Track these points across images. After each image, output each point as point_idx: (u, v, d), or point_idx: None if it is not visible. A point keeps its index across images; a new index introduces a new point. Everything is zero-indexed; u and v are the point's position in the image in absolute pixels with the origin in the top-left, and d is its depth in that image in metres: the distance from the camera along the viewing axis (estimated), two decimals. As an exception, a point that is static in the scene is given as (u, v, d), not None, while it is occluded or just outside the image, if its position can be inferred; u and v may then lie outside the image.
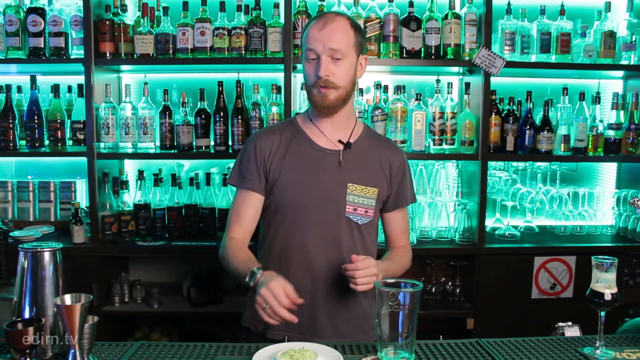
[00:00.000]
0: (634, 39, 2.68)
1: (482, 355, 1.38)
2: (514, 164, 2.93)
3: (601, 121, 2.72)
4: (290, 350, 1.28)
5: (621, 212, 2.91)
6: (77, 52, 2.61)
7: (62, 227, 2.81)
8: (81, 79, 2.59)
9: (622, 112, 2.71)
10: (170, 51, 2.60)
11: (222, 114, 2.62)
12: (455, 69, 2.82)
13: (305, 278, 1.63)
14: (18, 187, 2.88)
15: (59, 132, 2.68)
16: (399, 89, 2.63)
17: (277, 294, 1.37)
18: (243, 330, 1.79)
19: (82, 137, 2.65)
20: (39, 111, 2.66)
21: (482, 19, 2.57)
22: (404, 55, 2.59)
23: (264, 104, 2.66)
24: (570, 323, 1.57)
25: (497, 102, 2.69)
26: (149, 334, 2.82)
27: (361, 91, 2.67)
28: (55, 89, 2.70)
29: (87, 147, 2.60)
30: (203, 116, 2.63)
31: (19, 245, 1.28)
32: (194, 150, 2.67)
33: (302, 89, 2.62)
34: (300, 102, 2.69)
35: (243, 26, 2.58)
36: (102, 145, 2.63)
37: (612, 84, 3.03)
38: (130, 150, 2.66)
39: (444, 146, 2.66)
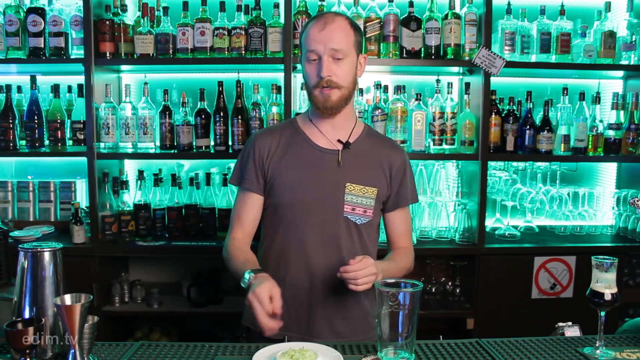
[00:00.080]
0: (634, 39, 2.68)
1: (482, 355, 1.38)
2: (514, 164, 2.93)
3: (601, 121, 2.72)
4: (290, 350, 1.28)
5: (621, 212, 2.91)
6: (77, 52, 2.61)
7: (62, 227, 2.81)
8: (81, 79, 2.59)
9: (622, 112, 2.71)
10: (170, 51, 2.60)
11: (222, 114, 2.62)
12: (455, 69, 2.82)
13: (304, 278, 1.63)
14: (18, 187, 2.88)
15: (59, 132, 2.68)
16: (399, 89, 2.63)
17: (261, 300, 1.37)
18: (243, 330, 1.79)
19: (82, 137, 2.65)
20: (39, 111, 2.66)
21: (482, 19, 2.57)
22: (404, 55, 2.59)
23: (264, 104, 2.66)
24: (570, 323, 1.57)
25: (497, 102, 2.69)
26: (149, 334, 2.82)
27: (361, 91, 2.67)
28: (55, 89, 2.70)
29: (87, 147, 2.60)
30: (203, 116, 2.63)
31: (19, 245, 1.28)
32: (194, 150, 2.67)
33: (302, 89, 2.62)
34: (300, 102, 2.69)
35: (243, 26, 2.58)
36: (102, 145, 2.63)
37: (612, 84, 3.03)
38: (130, 150, 2.66)
39: (444, 146, 2.66)
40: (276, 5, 2.57)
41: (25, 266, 1.26)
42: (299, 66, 2.53)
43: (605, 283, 1.37)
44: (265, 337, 1.57)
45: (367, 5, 2.62)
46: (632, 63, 2.70)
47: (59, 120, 2.68)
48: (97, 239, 2.62)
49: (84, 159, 2.60)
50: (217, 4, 2.58)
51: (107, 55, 2.58)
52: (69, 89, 2.85)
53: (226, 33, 2.58)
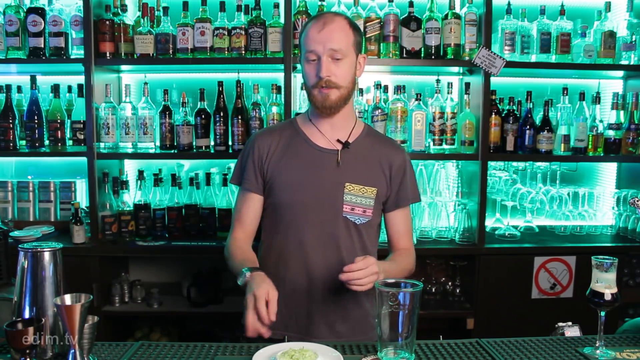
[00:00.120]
0: (634, 39, 2.68)
1: (482, 355, 1.38)
2: (514, 164, 2.93)
3: (601, 121, 2.72)
4: (290, 350, 1.28)
5: (621, 212, 2.91)
6: (77, 52, 2.61)
7: (62, 227, 2.81)
8: (81, 79, 2.59)
9: (622, 112, 2.71)
10: (170, 51, 2.60)
11: (222, 114, 2.62)
12: (455, 69, 2.82)
13: (303, 278, 1.63)
14: (18, 187, 2.88)
15: (59, 132, 2.68)
16: (399, 89, 2.63)
17: (259, 307, 1.37)
18: (243, 330, 1.79)
19: (82, 137, 2.65)
20: (39, 111, 2.66)
21: (482, 19, 2.57)
22: (404, 55, 2.59)
23: (264, 104, 2.66)
24: (570, 323, 1.57)
25: (497, 102, 2.69)
26: (149, 334, 2.82)
27: (361, 91, 2.67)
28: (55, 89, 2.70)
29: (87, 147, 2.60)
30: (203, 116, 2.63)
31: (19, 245, 1.28)
32: (194, 150, 2.67)
33: (302, 89, 2.61)
34: (300, 102, 2.69)
35: (243, 26, 2.58)
36: (102, 145, 2.63)
37: (612, 84, 3.03)
38: (130, 150, 2.66)
39: (444, 146, 2.66)
40: (276, 5, 2.57)
41: (25, 266, 1.26)
42: (299, 66, 2.53)
43: (605, 283, 1.37)
44: (265, 337, 1.58)
45: (367, 5, 2.62)
46: (632, 63, 2.70)
47: (59, 120, 2.68)
48: (97, 239, 2.62)
49: (84, 159, 2.60)
50: (217, 4, 2.58)
51: (107, 55, 2.58)
52: (69, 89, 2.85)
53: (226, 33, 2.58)
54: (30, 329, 1.19)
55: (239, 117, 2.61)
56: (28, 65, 2.68)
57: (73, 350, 1.17)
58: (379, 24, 2.58)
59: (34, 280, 1.25)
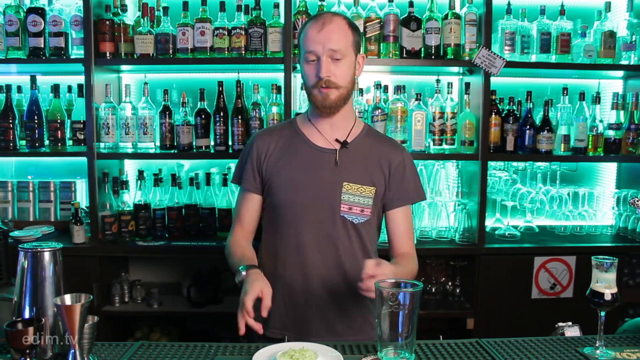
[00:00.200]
0: (634, 39, 2.68)
1: (482, 355, 1.38)
2: (514, 164, 2.93)
3: (601, 121, 2.72)
4: (290, 350, 1.28)
5: (621, 212, 2.91)
6: (77, 52, 2.61)
7: (62, 227, 2.81)
8: (81, 79, 2.59)
9: (622, 112, 2.71)
10: (170, 51, 2.60)
11: (222, 114, 2.62)
12: (455, 69, 2.82)
13: (301, 277, 1.63)
14: (18, 187, 2.88)
15: (59, 132, 2.68)
16: (399, 89, 2.63)
17: (247, 307, 1.38)
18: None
19: (82, 137, 2.65)
20: (39, 111, 2.66)
21: (482, 19, 2.57)
22: (404, 55, 2.59)
23: (264, 104, 2.66)
24: (570, 323, 1.57)
25: (497, 102, 2.69)
26: (149, 334, 2.82)
27: (361, 91, 2.67)
28: (55, 89, 2.70)
29: (87, 147, 2.60)
30: (203, 116, 2.63)
31: (19, 245, 1.28)
32: (194, 150, 2.67)
33: (302, 89, 2.61)
34: (300, 102, 2.69)
35: (243, 26, 2.58)
36: (102, 145, 2.63)
37: (612, 84, 3.03)
38: (130, 150, 2.66)
39: (444, 146, 2.66)
40: (276, 5, 2.57)
41: (25, 266, 1.26)
42: (298, 66, 2.52)
43: (605, 283, 1.37)
44: (265, 337, 1.58)
45: (367, 5, 2.62)
46: (632, 63, 2.70)
47: (59, 120, 2.68)
48: (97, 239, 2.62)
49: (84, 159, 2.60)
50: (217, 4, 2.58)
51: (107, 55, 2.58)
52: (69, 89, 2.85)
53: (226, 33, 2.58)
54: (30, 329, 1.19)
55: (239, 117, 2.61)
56: (28, 65, 2.68)
57: (73, 350, 1.17)
58: (379, 24, 2.58)
59: (34, 280, 1.25)
